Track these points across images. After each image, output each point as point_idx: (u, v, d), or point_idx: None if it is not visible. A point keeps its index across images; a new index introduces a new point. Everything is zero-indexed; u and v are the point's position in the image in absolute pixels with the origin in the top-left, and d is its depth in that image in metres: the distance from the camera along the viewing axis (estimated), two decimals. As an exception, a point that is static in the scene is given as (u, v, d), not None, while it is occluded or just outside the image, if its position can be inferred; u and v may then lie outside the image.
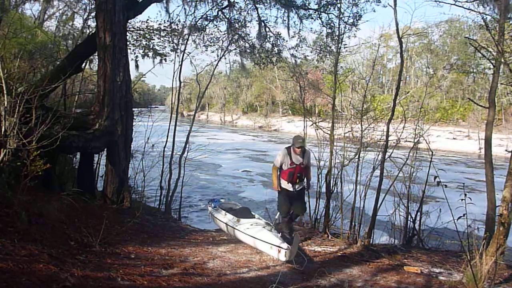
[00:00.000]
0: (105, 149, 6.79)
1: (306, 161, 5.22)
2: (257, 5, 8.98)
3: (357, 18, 7.88)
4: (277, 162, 5.19)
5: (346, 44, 8.18)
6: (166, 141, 8.56)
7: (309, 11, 8.68)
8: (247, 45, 9.55)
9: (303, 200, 5.40)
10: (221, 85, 55.81)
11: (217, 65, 9.77)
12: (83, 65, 8.28)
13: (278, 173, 5.25)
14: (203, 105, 58.66)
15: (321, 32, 8.94)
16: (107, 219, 4.77)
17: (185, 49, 9.04)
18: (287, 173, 5.13)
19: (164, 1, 8.55)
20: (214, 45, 9.55)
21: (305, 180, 5.31)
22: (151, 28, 9.53)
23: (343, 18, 7.79)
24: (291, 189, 5.16)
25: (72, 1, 10.77)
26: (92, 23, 9.63)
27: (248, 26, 9.35)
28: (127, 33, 7.74)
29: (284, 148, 5.24)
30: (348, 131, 6.75)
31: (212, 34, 9.52)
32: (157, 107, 36.90)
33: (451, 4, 5.47)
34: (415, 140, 6.10)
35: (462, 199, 3.26)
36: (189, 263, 4.17)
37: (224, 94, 58.01)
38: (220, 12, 9.08)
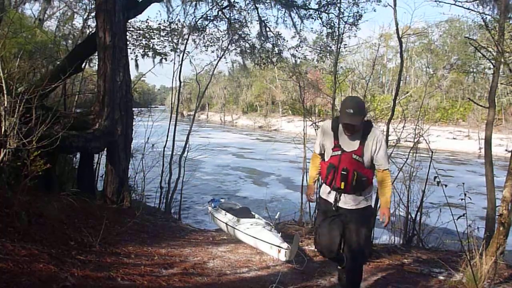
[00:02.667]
0: (105, 149, 6.79)
1: (370, 149, 2.74)
2: (257, 5, 8.99)
3: (357, 17, 7.90)
4: (316, 145, 3.00)
5: (346, 44, 8.21)
6: (166, 141, 8.58)
7: (309, 11, 8.69)
8: (247, 45, 9.57)
9: (362, 226, 2.83)
10: (221, 85, 55.83)
11: (217, 65, 9.84)
12: (83, 65, 8.29)
13: (319, 167, 3.00)
14: (203, 105, 58.66)
15: (321, 32, 8.97)
16: (107, 219, 4.76)
17: (185, 49, 9.08)
18: (326, 167, 2.85)
19: (165, 1, 8.58)
20: (214, 45, 9.59)
21: (367, 190, 2.86)
22: (151, 28, 9.55)
23: (343, 18, 7.80)
24: (331, 200, 2.86)
25: (72, 1, 10.80)
26: (92, 23, 9.66)
27: (248, 26, 9.38)
28: (127, 33, 7.74)
29: (327, 121, 2.99)
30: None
31: (212, 34, 9.55)
32: (157, 107, 37.00)
33: (451, 4, 5.46)
34: (415, 140, 6.09)
35: (462, 199, 3.27)
36: (189, 263, 4.17)
37: (224, 94, 58.01)
38: (220, 12, 9.10)
